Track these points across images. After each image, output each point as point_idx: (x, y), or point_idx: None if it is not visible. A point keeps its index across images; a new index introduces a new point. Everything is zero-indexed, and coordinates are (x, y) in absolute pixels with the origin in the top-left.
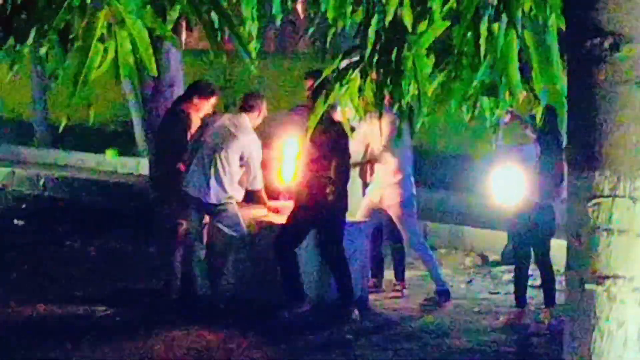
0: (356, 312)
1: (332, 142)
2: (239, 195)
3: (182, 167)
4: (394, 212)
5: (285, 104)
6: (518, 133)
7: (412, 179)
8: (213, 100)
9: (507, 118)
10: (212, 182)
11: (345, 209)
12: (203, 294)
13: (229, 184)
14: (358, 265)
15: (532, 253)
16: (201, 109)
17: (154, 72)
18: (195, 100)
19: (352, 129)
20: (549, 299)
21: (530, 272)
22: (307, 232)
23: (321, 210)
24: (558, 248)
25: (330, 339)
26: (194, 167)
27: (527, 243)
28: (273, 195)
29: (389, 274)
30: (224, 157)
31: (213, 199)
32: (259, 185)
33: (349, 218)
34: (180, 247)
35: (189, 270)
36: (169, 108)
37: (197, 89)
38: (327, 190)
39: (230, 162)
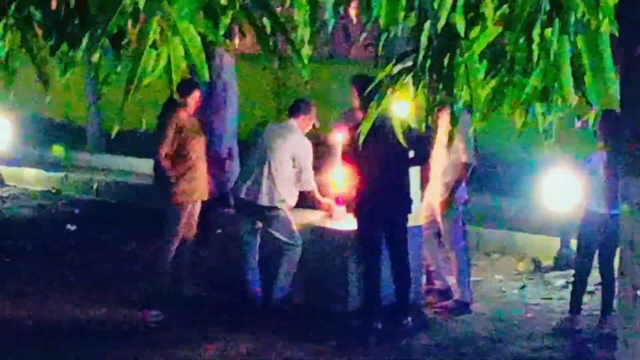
0: (409, 318)
1: (397, 145)
2: (292, 198)
3: (161, 157)
4: (438, 208)
5: (338, 109)
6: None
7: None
8: (196, 94)
9: (578, 124)
10: (264, 184)
11: (409, 210)
12: (256, 300)
13: (282, 186)
14: (412, 270)
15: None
16: (189, 105)
17: (206, 78)
18: (179, 99)
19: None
20: (608, 307)
21: None
22: (382, 236)
23: (390, 212)
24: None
25: (383, 344)
26: (246, 171)
27: (592, 253)
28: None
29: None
30: (276, 159)
31: (265, 202)
32: (311, 186)
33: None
34: (173, 245)
35: (242, 276)
36: (160, 112)
37: (180, 89)
38: (396, 193)
39: (282, 164)
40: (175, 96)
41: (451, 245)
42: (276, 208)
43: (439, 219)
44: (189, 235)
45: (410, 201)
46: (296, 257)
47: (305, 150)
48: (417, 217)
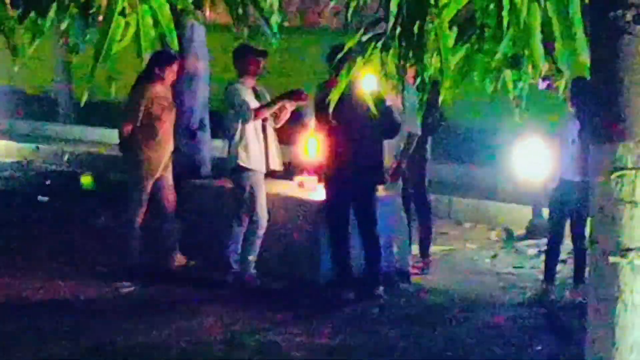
0: (380, 288)
1: (366, 114)
2: (250, 157)
3: (125, 130)
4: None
5: (307, 79)
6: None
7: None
8: (174, 66)
9: (542, 85)
10: (227, 148)
11: (380, 180)
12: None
13: (236, 143)
14: (383, 240)
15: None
16: (166, 78)
17: (175, 47)
18: (157, 71)
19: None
20: (580, 276)
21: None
22: (349, 206)
23: (357, 181)
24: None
25: (355, 314)
26: None
27: (565, 220)
28: (299, 170)
29: (416, 249)
30: (230, 118)
31: (228, 165)
32: (252, 114)
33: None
34: (138, 216)
35: (225, 245)
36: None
37: (156, 60)
38: (365, 162)
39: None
40: (147, 65)
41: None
42: (236, 170)
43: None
44: (169, 207)
45: (380, 170)
46: (257, 232)
47: (228, 93)
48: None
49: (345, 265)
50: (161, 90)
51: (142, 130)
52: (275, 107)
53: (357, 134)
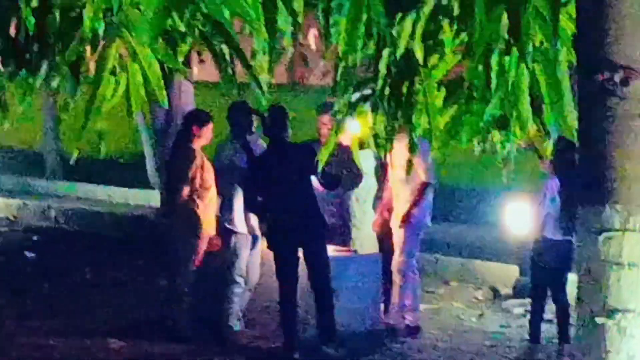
0: (330, 349)
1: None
2: (236, 219)
3: (184, 194)
4: (398, 230)
5: (296, 137)
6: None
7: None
8: (211, 125)
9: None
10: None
11: (322, 232)
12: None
13: (223, 205)
14: (370, 297)
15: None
16: (203, 136)
17: (165, 105)
18: (194, 130)
19: None
20: (565, 335)
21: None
22: (297, 259)
23: (302, 235)
24: (571, 282)
25: None
26: None
27: (544, 279)
28: None
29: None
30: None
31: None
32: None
33: (361, 251)
34: (191, 277)
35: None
36: (174, 142)
37: (194, 119)
38: (305, 215)
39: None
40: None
41: (405, 266)
42: (222, 230)
43: (397, 238)
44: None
45: (322, 224)
46: (235, 291)
47: (220, 152)
48: (374, 245)
49: (293, 323)
50: (200, 148)
51: (195, 190)
52: None
53: (297, 185)
